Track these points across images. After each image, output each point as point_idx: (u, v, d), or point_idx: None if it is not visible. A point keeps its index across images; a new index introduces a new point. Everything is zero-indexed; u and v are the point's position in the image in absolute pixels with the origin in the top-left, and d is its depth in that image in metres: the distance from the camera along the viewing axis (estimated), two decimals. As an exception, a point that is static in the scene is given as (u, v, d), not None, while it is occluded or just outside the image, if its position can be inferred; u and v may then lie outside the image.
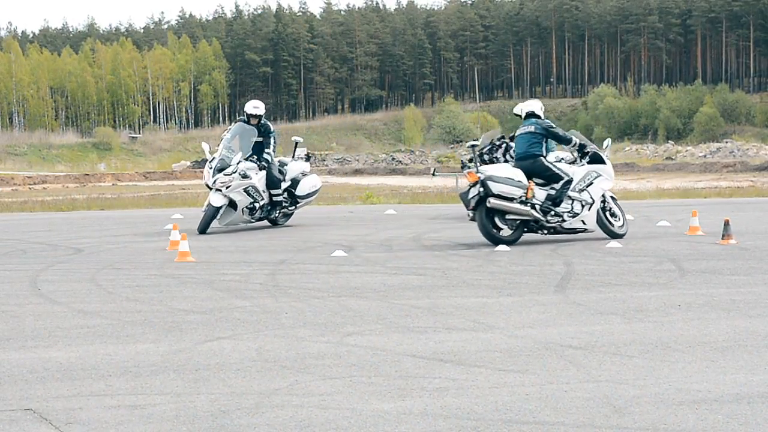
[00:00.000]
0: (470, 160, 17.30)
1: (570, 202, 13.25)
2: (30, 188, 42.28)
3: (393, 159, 72.19)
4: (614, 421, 4.68)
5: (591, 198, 13.38)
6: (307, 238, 14.23)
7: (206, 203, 15.34)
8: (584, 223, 13.37)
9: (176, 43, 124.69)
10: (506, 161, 16.60)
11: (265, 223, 16.52)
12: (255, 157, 15.68)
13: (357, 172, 59.98)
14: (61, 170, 68.41)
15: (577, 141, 13.75)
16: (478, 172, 12.82)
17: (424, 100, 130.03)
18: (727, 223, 12.70)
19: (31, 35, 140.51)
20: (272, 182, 15.76)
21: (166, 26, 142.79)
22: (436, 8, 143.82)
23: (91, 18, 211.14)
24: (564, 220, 13.20)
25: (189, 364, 5.96)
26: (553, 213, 13.08)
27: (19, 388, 5.42)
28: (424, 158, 72.73)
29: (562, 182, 13.20)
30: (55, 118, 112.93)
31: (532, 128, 13.64)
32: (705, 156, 64.02)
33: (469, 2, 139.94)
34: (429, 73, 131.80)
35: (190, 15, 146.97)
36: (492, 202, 12.60)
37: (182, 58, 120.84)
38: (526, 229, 13.08)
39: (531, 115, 13.94)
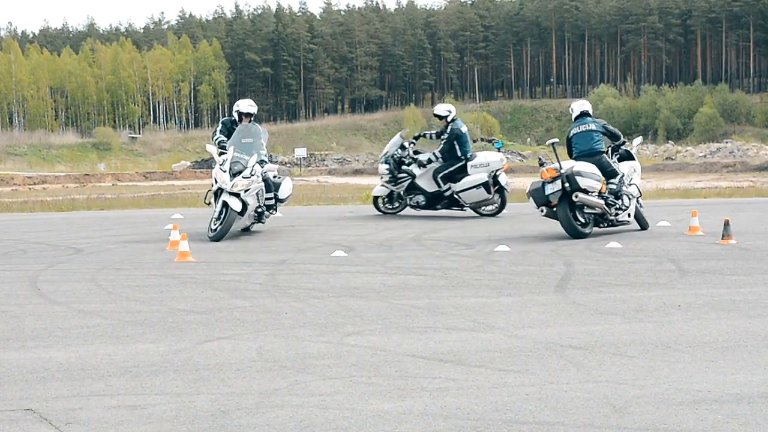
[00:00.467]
0: (385, 162, 17.92)
1: (621, 195, 14.27)
2: (30, 188, 42.29)
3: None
4: (614, 421, 4.68)
5: (638, 191, 14.56)
6: (307, 238, 14.23)
7: (219, 209, 14.15)
8: (629, 216, 14.28)
9: (176, 43, 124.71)
10: (428, 160, 17.34)
11: (264, 224, 16.49)
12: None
13: (357, 172, 59.97)
14: (61, 170, 68.44)
15: (623, 138, 14.89)
16: (560, 168, 13.43)
17: (424, 100, 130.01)
18: (727, 223, 12.71)
19: (31, 35, 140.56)
20: (268, 185, 15.17)
21: (166, 26, 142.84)
22: (436, 8, 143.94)
23: (91, 18, 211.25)
24: (618, 213, 14.08)
25: (189, 364, 5.96)
26: (616, 206, 13.98)
27: (19, 388, 5.42)
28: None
29: (618, 177, 14.20)
30: (55, 118, 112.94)
31: (592, 126, 14.52)
32: (705, 156, 64.03)
33: (469, 2, 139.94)
34: (429, 73, 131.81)
35: (190, 15, 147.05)
36: (580, 196, 13.32)
37: (182, 58, 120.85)
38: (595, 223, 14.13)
39: (585, 114, 14.75)
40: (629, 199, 14.21)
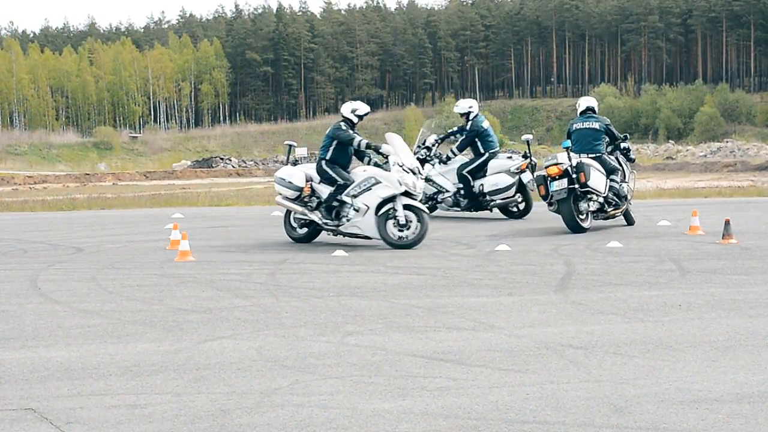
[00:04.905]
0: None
1: (619, 192, 14.58)
2: (30, 188, 42.24)
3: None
4: (614, 420, 4.68)
5: (629, 191, 14.99)
6: (307, 237, 14.22)
7: None
8: (620, 212, 14.66)
9: (177, 43, 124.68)
10: (447, 157, 17.39)
11: (263, 221, 16.58)
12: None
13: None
14: (62, 170, 68.41)
15: (621, 140, 15.23)
16: (570, 164, 13.90)
17: (425, 99, 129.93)
18: (727, 223, 12.70)
19: (32, 35, 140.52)
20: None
21: (166, 26, 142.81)
22: (436, 8, 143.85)
23: (91, 17, 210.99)
24: (614, 209, 14.47)
25: (189, 363, 5.96)
26: (613, 203, 14.40)
27: (19, 387, 5.42)
28: (424, 158, 72.52)
29: (619, 174, 14.57)
30: (55, 118, 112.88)
31: (595, 125, 14.77)
32: (705, 156, 63.97)
33: (470, 2, 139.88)
34: (429, 73, 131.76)
35: (191, 14, 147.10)
36: (582, 192, 13.89)
37: (183, 57, 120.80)
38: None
39: (590, 110, 15.07)
40: (623, 196, 14.64)
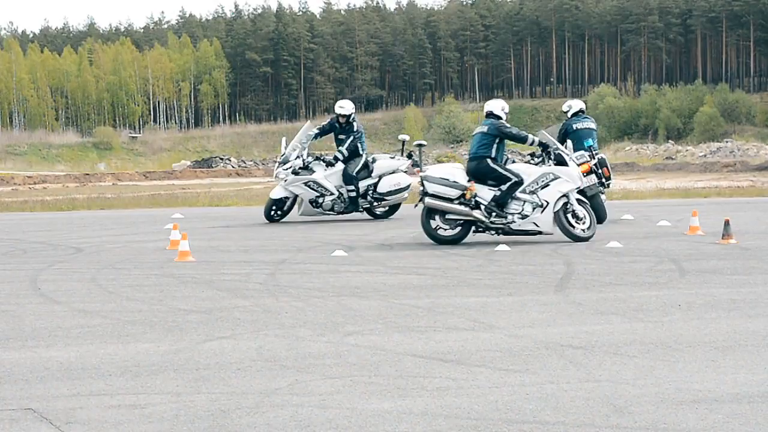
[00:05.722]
0: (298, 157, 17.14)
1: None
2: (30, 188, 42.23)
3: (393, 158, 71.97)
4: (614, 420, 4.68)
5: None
6: (307, 237, 14.24)
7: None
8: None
9: (176, 43, 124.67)
10: (335, 158, 17.35)
11: (263, 221, 16.64)
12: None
13: (357, 171, 59.76)
14: (61, 170, 68.41)
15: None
16: (595, 161, 15.13)
17: (425, 99, 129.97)
18: (727, 223, 12.71)
19: (32, 35, 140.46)
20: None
21: (166, 26, 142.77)
22: (436, 8, 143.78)
23: (91, 18, 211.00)
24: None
25: (189, 363, 5.96)
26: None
27: (19, 387, 5.42)
28: (424, 158, 72.65)
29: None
30: (55, 118, 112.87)
31: (592, 125, 15.96)
32: (705, 156, 63.98)
33: (470, 2, 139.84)
34: (429, 73, 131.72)
35: (190, 15, 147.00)
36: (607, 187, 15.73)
37: (182, 57, 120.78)
38: None
39: (583, 111, 16.22)
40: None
